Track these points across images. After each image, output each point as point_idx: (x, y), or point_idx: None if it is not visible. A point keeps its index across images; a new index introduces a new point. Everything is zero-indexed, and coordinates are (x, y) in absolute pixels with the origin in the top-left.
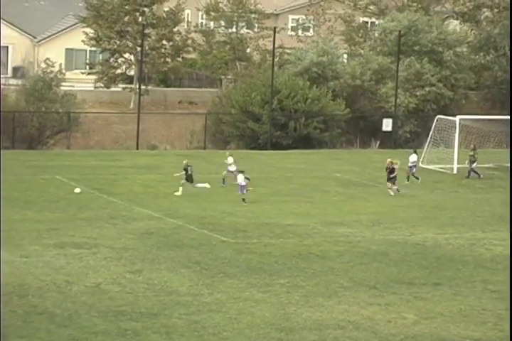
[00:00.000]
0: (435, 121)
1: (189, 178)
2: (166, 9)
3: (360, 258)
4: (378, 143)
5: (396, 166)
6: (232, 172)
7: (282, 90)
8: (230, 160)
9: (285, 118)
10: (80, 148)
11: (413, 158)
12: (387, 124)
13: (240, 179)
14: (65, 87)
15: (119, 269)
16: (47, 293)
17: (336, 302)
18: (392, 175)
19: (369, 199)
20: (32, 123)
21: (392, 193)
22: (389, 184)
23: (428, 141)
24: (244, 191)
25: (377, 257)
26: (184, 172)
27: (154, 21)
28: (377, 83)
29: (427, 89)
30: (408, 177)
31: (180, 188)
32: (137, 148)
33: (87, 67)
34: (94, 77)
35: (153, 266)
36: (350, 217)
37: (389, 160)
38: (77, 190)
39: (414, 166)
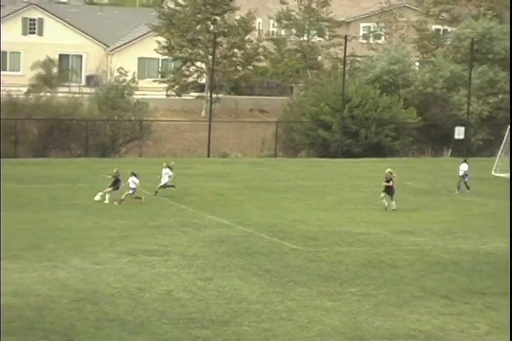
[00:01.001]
0: (508, 129)
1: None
2: (237, 18)
3: (432, 267)
4: (450, 151)
5: (393, 176)
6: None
7: (353, 98)
8: (166, 171)
9: (356, 126)
10: (151, 156)
11: (464, 167)
12: (459, 132)
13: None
14: (137, 95)
15: (190, 277)
16: (119, 300)
17: (407, 312)
18: (388, 185)
19: (440, 207)
20: (105, 132)
21: (386, 204)
22: (382, 194)
23: (501, 149)
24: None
25: (448, 266)
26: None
27: (226, 30)
28: (449, 91)
29: (500, 96)
30: (459, 187)
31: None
32: (208, 156)
33: (159, 75)
34: (165, 85)
35: (224, 274)
36: (421, 226)
37: (388, 170)
38: (97, 198)
39: (466, 175)
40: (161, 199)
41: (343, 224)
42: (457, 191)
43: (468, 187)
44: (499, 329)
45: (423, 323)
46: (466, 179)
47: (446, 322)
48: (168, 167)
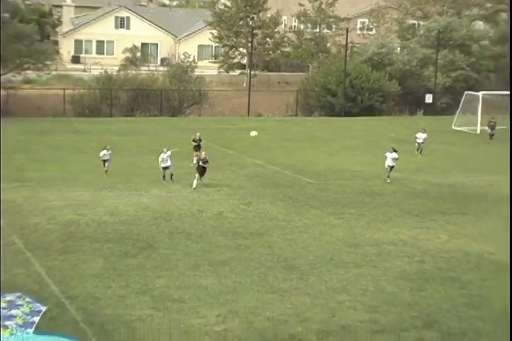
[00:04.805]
0: (464, 95)
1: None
2: (268, 15)
3: (408, 195)
4: (422, 111)
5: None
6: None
7: (352, 73)
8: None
9: (354, 93)
10: (207, 116)
11: (420, 135)
12: (428, 98)
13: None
14: (197, 72)
15: (235, 202)
16: (185, 218)
17: (390, 226)
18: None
19: (415, 152)
20: (174, 98)
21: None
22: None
23: (459, 110)
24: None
25: (420, 194)
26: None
27: (260, 24)
28: (421, 68)
29: (458, 72)
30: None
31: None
32: (248, 115)
33: (213, 58)
34: (217, 65)
35: (259, 200)
36: (401, 165)
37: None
38: (254, 133)
39: (423, 143)
40: (215, 147)
41: (345, 164)
42: (419, 155)
43: (420, 152)
44: (456, 239)
45: (401, 234)
46: (422, 145)
47: (417, 233)
48: (167, 151)
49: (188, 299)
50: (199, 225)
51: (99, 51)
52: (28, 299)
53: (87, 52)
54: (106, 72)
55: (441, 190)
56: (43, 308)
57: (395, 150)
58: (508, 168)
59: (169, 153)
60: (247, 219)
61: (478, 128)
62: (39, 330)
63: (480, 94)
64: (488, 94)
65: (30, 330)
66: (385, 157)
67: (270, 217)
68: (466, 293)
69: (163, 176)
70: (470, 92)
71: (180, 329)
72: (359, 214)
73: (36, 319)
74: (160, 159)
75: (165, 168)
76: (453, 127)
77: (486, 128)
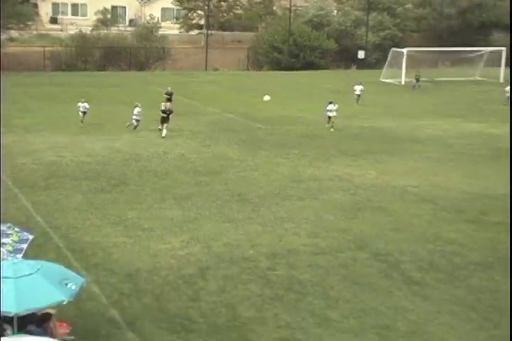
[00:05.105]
0: (391, 51)
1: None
2: None
3: (344, 138)
4: (355, 66)
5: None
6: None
7: (295, 33)
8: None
9: (297, 50)
10: (170, 70)
11: (357, 87)
12: (361, 54)
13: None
14: (161, 32)
15: (196, 144)
16: (152, 158)
17: (329, 164)
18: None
19: (347, 102)
20: (141, 55)
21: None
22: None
23: (386, 64)
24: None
25: (354, 137)
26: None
27: None
28: (355, 28)
29: (386, 31)
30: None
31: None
32: (206, 70)
33: (175, 19)
34: (178, 25)
35: (217, 143)
36: (338, 112)
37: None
38: (267, 98)
39: (360, 94)
40: (180, 98)
41: (289, 112)
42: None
43: (357, 102)
44: (383, 174)
45: (338, 171)
46: (359, 96)
47: (351, 170)
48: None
49: (155, 228)
50: (165, 165)
51: (74, 13)
52: (16, 229)
53: (63, 13)
54: (80, 31)
55: (371, 133)
56: (30, 237)
57: (334, 103)
58: (427, 111)
59: (139, 109)
60: (206, 160)
61: (403, 80)
62: (27, 256)
63: (404, 50)
64: (412, 50)
65: (20, 255)
66: (325, 109)
67: (226, 157)
68: (392, 219)
69: (134, 127)
70: (396, 49)
71: (149, 253)
72: (302, 154)
73: (24, 246)
74: (135, 112)
75: (137, 121)
76: (381, 79)
77: (414, 80)
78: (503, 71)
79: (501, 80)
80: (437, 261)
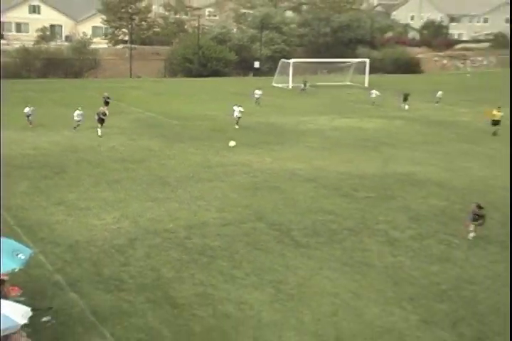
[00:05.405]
0: (280, 62)
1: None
2: (143, 5)
3: (244, 131)
4: (252, 74)
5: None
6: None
7: (203, 47)
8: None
9: (205, 61)
10: (101, 78)
11: (257, 92)
12: (256, 64)
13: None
14: (92, 46)
15: (124, 138)
16: (87, 150)
17: (233, 154)
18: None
19: (247, 102)
20: (76, 65)
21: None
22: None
23: (277, 72)
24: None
25: (252, 130)
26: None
27: (137, 11)
28: (251, 43)
29: (276, 46)
30: (257, 102)
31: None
32: (130, 77)
33: (104, 35)
34: (107, 41)
35: (141, 137)
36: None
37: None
38: (232, 144)
39: (259, 97)
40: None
41: (200, 111)
42: (256, 104)
43: (259, 104)
44: (278, 160)
45: (240, 158)
46: (259, 99)
47: (251, 157)
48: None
49: (91, 207)
50: (98, 155)
51: (18, 30)
52: None
53: (8, 30)
54: (23, 45)
55: (266, 127)
56: None
57: (239, 105)
58: (312, 110)
59: (80, 112)
60: (132, 151)
61: (290, 84)
62: None
63: (291, 61)
64: (297, 61)
65: None
66: (233, 109)
67: (149, 148)
68: (284, 196)
69: (75, 127)
70: (284, 60)
71: (87, 228)
72: (210, 145)
73: None
74: (75, 114)
75: (78, 121)
76: (273, 84)
77: (302, 84)
78: (367, 77)
79: (366, 85)
80: (319, 228)
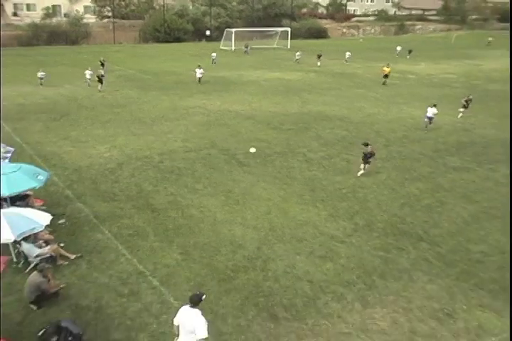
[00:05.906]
0: (225, 31)
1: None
2: None
3: (201, 83)
4: (205, 40)
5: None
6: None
7: (168, 20)
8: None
9: (169, 31)
10: (92, 44)
11: (214, 54)
12: (208, 32)
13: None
14: (84, 20)
15: (110, 89)
16: (84, 99)
17: (193, 99)
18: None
19: (201, 61)
20: (73, 35)
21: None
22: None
23: (223, 38)
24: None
25: (206, 82)
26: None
27: None
28: (203, 17)
29: (222, 19)
30: (213, 63)
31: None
32: (114, 43)
33: (93, 12)
34: (95, 16)
35: (123, 88)
36: (195, 68)
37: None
38: (253, 150)
39: (215, 58)
40: (97, 61)
41: (168, 68)
42: (212, 64)
43: (215, 63)
44: (224, 103)
45: (198, 102)
46: (215, 60)
47: (206, 101)
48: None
49: (89, 141)
50: (92, 102)
51: (28, 9)
52: (3, 145)
53: (20, 10)
54: (33, 21)
55: (216, 80)
56: (13, 149)
57: (201, 67)
58: (248, 67)
59: (90, 71)
60: (116, 98)
61: (233, 48)
62: (13, 161)
63: (233, 30)
64: (238, 30)
65: (7, 161)
66: (195, 71)
67: (129, 96)
68: (230, 130)
69: (88, 84)
70: (228, 29)
71: (86, 156)
72: (176, 93)
73: (9, 155)
74: (86, 72)
75: (89, 79)
76: (221, 47)
77: (244, 47)
78: (289, 42)
79: (289, 47)
80: (256, 152)
